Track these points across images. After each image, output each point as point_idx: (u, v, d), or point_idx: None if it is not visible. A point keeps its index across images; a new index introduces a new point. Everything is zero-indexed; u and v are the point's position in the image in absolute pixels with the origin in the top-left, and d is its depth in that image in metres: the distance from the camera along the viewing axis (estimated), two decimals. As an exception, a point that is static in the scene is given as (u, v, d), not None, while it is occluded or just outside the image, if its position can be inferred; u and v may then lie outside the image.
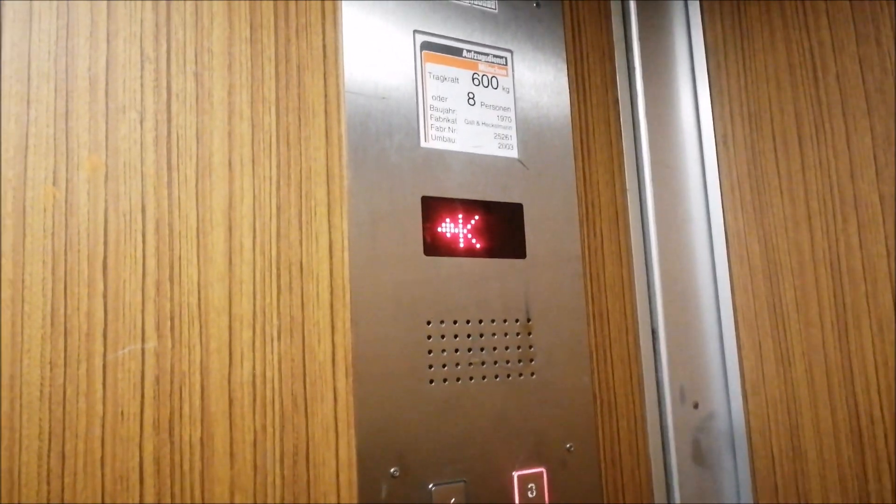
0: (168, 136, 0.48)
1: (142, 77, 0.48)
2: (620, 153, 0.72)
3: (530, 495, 0.58)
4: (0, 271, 0.42)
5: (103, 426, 0.43)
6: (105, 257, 0.45)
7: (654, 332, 0.70)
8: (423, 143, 0.59)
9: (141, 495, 0.44)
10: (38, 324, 0.42)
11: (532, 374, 0.61)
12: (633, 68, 0.74)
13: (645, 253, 0.71)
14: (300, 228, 0.52)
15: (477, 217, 0.61)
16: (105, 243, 0.45)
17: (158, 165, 0.47)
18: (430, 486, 0.54)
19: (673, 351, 0.70)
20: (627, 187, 0.72)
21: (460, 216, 0.60)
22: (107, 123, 0.46)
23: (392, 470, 0.53)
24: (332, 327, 0.52)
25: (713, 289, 0.74)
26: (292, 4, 0.55)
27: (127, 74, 0.47)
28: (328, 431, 0.51)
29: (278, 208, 0.51)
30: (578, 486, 0.61)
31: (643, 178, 0.72)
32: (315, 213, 0.53)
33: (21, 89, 0.44)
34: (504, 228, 0.62)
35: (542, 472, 0.59)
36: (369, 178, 0.56)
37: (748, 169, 0.71)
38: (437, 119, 0.60)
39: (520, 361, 0.61)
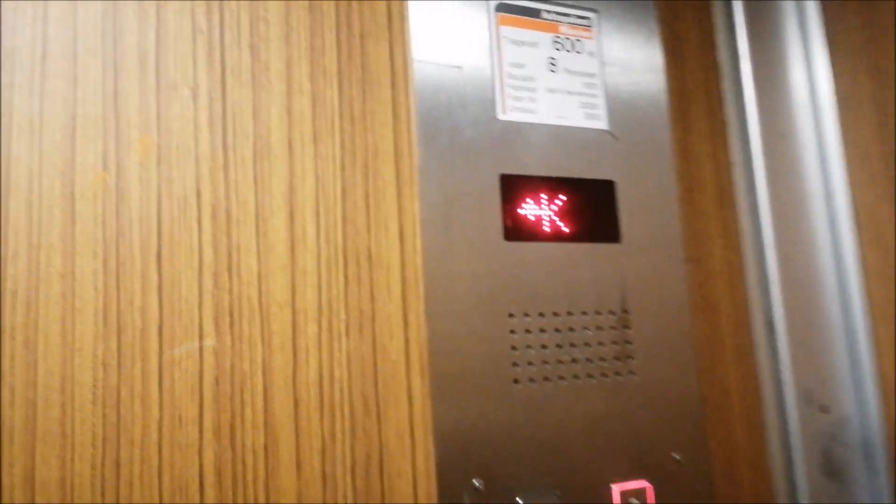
0: (223, 115, 0.44)
1: (194, 51, 0.44)
2: (724, 122, 0.63)
3: (633, 511, 0.51)
4: (49, 264, 0.39)
5: (160, 432, 0.39)
6: (159, 247, 0.41)
7: (770, 325, 0.61)
8: (500, 116, 0.53)
9: (201, 508, 0.40)
10: (89, 320, 0.39)
11: (631, 372, 0.54)
12: (735, 24, 0.66)
13: (756, 234, 0.63)
14: (367, 213, 0.47)
15: (563, 196, 0.54)
16: (159, 233, 0.41)
17: (213, 146, 0.43)
18: (518, 500, 0.48)
19: (795, 346, 0.61)
20: (733, 160, 0.63)
21: (544, 196, 0.53)
22: (158, 102, 0.42)
23: (475, 482, 0.47)
24: (405, 322, 0.47)
25: (837, 274, 0.64)
26: (354, -33, 0.50)
27: (178, 48, 0.43)
28: (403, 438, 0.45)
29: (343, 191, 0.46)
30: (686, 497, 0.53)
31: (751, 149, 0.63)
32: (384, 196, 0.48)
33: (67, 67, 0.41)
34: (594, 209, 0.55)
35: (646, 488, 0.52)
36: (442, 156, 0.50)
37: (878, 134, 0.61)
38: (516, 88, 0.54)
39: (616, 359, 0.53)
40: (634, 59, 0.59)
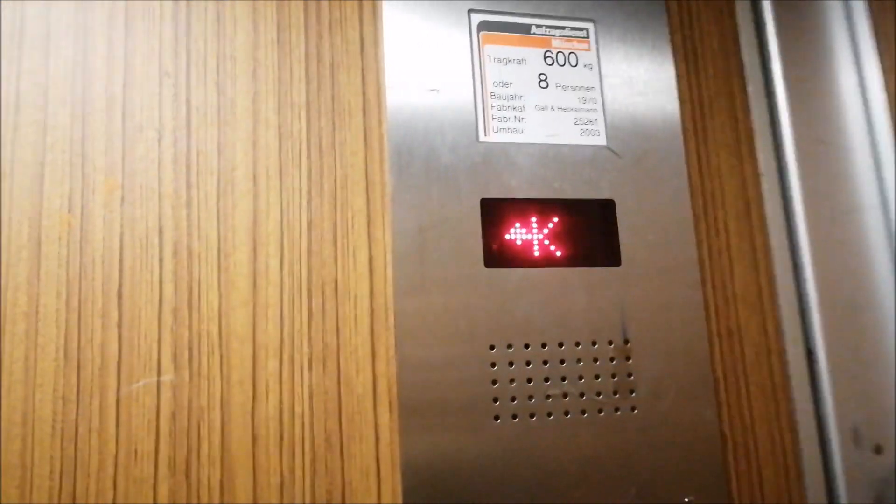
0: (187, 153, 0.45)
1: (160, 93, 0.45)
2: (750, 130, 0.57)
3: (632, 563, 0.46)
4: (15, 304, 0.41)
5: (116, 466, 0.40)
6: (120, 285, 0.42)
7: (810, 354, 0.54)
8: (482, 138, 0.51)
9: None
10: (51, 356, 0.41)
11: (632, 408, 0.49)
12: (763, 23, 0.60)
13: (792, 253, 0.56)
14: (335, 244, 0.46)
15: (555, 219, 0.51)
16: (120, 270, 0.42)
17: (177, 184, 0.44)
18: (496, 546, 0.45)
19: (840, 378, 0.53)
20: (763, 171, 0.57)
21: (534, 219, 0.50)
22: (123, 144, 0.44)
23: (446, 525, 0.44)
24: (373, 354, 0.45)
25: (894, 297, 0.56)
26: (325, -2, 0.50)
27: (145, 91, 0.45)
28: (368, 475, 0.44)
29: (309, 223, 0.46)
30: (700, 555, 0.48)
31: (785, 158, 0.57)
32: (352, 226, 0.47)
33: (38, 117, 0.43)
34: (591, 230, 0.51)
35: (648, 534, 0.47)
36: (416, 183, 0.48)
37: (938, 133, 0.53)
38: (501, 108, 0.52)
39: (615, 393, 0.49)
40: (640, 69, 0.55)
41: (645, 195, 0.53)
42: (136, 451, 0.41)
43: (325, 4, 0.50)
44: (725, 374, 0.52)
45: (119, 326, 0.42)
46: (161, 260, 0.43)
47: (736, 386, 0.52)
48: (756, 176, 0.56)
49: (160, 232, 0.43)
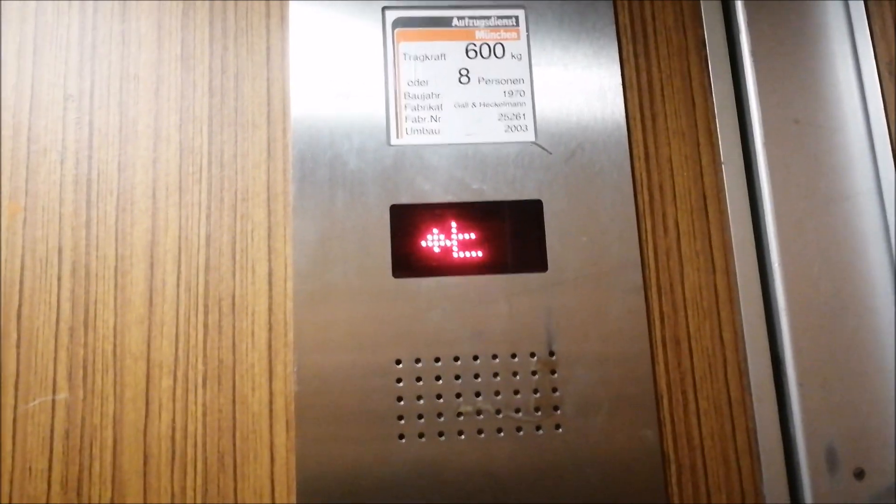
0: (88, 173, 0.46)
1: (64, 116, 0.46)
2: (708, 114, 0.51)
3: None
4: (-77, 326, 0.43)
5: (11, 483, 0.41)
6: (20, 305, 0.43)
7: (777, 364, 0.48)
8: (393, 140, 0.48)
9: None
10: (-47, 376, 0.42)
11: (557, 426, 0.45)
12: (726, -7, 0.53)
13: (759, 251, 0.50)
14: (233, 258, 0.45)
15: (472, 223, 0.48)
16: (21, 291, 0.44)
17: (77, 205, 0.45)
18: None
19: (814, 392, 0.47)
20: (724, 160, 0.51)
21: (451, 224, 0.47)
22: (28, 168, 0.45)
23: (342, 550, 0.42)
24: (271, 372, 0.44)
25: (893, 297, 0.48)
26: (231, 7, 0.49)
27: (49, 115, 0.46)
28: (262, 496, 0.43)
29: (208, 237, 0.45)
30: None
31: (752, 143, 0.51)
32: (253, 240, 0.46)
33: (-53, 147, 0.45)
34: (514, 234, 0.48)
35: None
36: (319, 192, 0.47)
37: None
38: (415, 108, 0.49)
39: (537, 410, 0.45)
40: (577, 54, 0.51)
41: (578, 193, 0.48)
42: (30, 469, 0.42)
43: (230, 15, 0.49)
44: (671, 388, 0.47)
45: (18, 346, 0.43)
46: (59, 279, 0.44)
47: (683, 401, 0.46)
48: (715, 165, 0.50)
49: (59, 252, 0.44)
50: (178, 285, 0.45)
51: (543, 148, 0.49)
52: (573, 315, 0.47)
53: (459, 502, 0.44)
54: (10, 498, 0.41)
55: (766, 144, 0.50)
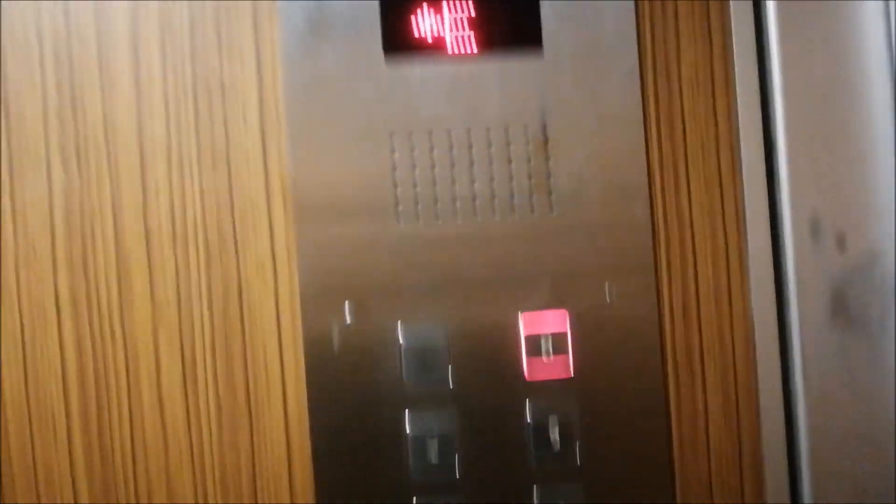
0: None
1: None
2: None
3: (545, 348, 0.45)
4: None
5: (17, 264, 0.42)
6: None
7: (768, 141, 0.49)
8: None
9: (59, 329, 0.42)
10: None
11: (550, 209, 0.46)
12: None
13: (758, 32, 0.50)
14: (219, 45, 0.45)
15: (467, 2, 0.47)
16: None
17: (53, -9, 0.44)
18: (398, 327, 0.44)
19: (799, 156, 0.48)
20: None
21: (446, 4, 0.47)
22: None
23: (346, 313, 0.44)
24: (265, 154, 0.45)
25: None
26: None
27: None
28: (264, 269, 0.44)
29: (192, 23, 0.45)
30: (620, 341, 0.46)
31: None
32: (239, 26, 0.45)
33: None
34: (508, 14, 0.47)
35: (563, 315, 0.45)
36: (305, -28, 0.46)
37: None
38: None
39: (531, 194, 0.46)
40: None
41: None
42: (34, 249, 0.43)
43: None
44: (663, 167, 0.48)
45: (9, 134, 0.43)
46: (42, 66, 0.44)
47: (674, 177, 0.48)
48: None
49: (39, 36, 0.44)
50: (164, 72, 0.44)
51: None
52: (568, 98, 0.47)
53: (455, 278, 0.45)
54: (17, 276, 0.42)
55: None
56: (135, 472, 0.43)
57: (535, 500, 0.45)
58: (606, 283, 0.46)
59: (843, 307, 0.48)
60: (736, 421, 0.47)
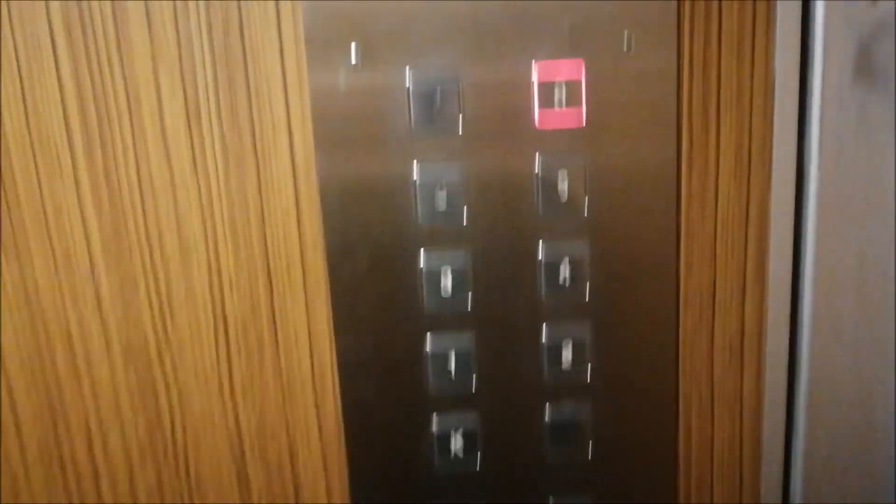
0: None
1: None
2: None
3: (558, 98, 0.44)
4: None
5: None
6: None
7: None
8: None
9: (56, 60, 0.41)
10: None
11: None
12: None
13: None
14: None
15: None
16: None
17: None
18: (406, 72, 0.43)
19: None
20: None
21: None
22: None
23: (351, 54, 0.42)
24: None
25: None
26: None
27: None
28: (266, 7, 0.42)
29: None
30: (636, 92, 0.44)
31: None
32: None
33: None
34: None
35: (579, 64, 0.43)
36: None
37: None
38: None
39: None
40: None
41: None
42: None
43: None
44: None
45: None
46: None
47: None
48: None
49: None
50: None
51: None
52: None
53: (467, 23, 0.43)
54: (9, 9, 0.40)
55: None
56: (144, 211, 0.43)
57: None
58: (625, 31, 0.44)
59: (867, 66, 0.46)
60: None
